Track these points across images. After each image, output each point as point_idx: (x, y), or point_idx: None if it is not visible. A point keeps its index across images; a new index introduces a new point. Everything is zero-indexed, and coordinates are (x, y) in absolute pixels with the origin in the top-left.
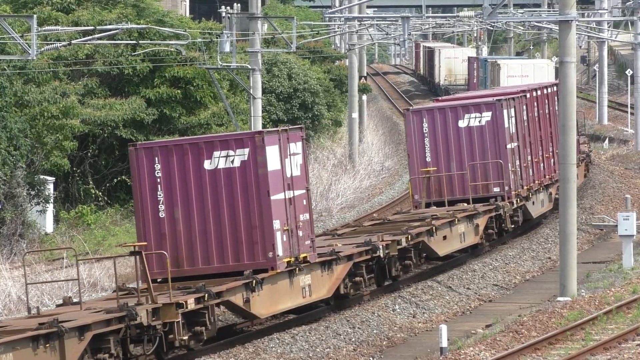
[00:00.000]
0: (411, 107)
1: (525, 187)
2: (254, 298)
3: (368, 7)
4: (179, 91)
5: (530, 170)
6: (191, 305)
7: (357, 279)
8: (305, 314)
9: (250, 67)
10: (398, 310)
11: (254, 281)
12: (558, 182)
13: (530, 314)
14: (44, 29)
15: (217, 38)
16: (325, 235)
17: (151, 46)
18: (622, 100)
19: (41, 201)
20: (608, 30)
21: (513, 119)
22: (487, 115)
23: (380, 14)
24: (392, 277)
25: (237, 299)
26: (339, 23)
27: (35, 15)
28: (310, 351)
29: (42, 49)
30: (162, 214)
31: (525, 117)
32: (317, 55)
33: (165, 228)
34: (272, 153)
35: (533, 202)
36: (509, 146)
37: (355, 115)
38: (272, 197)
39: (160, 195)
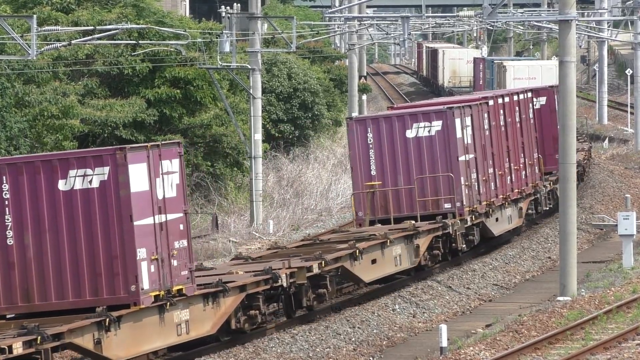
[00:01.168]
0: (354, 116)
1: (484, 203)
2: (109, 339)
3: (368, 7)
4: (178, 91)
5: (493, 184)
6: (18, 349)
7: (253, 312)
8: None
9: (250, 67)
10: (398, 310)
11: (108, 319)
12: (531, 195)
13: (530, 313)
14: (43, 29)
15: (217, 38)
16: (237, 259)
17: (151, 46)
18: (622, 100)
19: None
20: (608, 29)
21: (469, 128)
22: (437, 125)
23: (380, 14)
24: (306, 307)
25: (86, 341)
26: (338, 23)
27: (35, 16)
28: (310, 351)
29: (42, 49)
30: (10, 241)
31: (486, 127)
32: (317, 55)
33: (13, 257)
34: (137, 172)
35: (497, 219)
36: (461, 158)
37: (355, 115)
38: (137, 222)
39: (8, 219)
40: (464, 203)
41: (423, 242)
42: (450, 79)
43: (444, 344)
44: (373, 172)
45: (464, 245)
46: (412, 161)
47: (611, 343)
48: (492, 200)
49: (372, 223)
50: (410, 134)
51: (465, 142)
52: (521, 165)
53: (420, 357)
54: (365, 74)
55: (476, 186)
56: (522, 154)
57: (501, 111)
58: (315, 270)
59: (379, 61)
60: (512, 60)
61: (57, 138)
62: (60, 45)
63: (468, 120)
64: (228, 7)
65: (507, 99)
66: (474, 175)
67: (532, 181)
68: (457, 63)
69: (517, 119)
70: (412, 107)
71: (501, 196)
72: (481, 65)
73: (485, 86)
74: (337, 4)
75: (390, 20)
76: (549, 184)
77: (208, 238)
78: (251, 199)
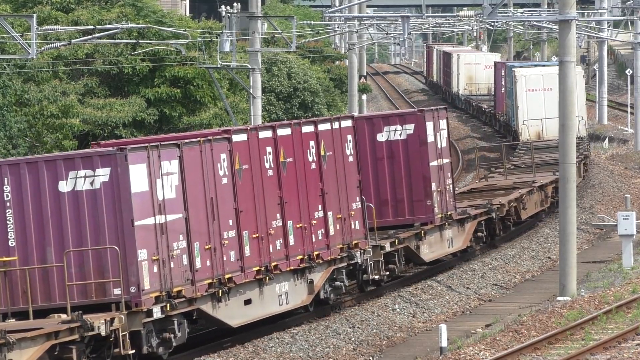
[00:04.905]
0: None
1: (204, 282)
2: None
3: (368, 6)
4: (178, 91)
5: (234, 252)
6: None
7: None
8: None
9: (250, 67)
10: (398, 309)
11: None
12: (340, 261)
13: (530, 313)
14: (43, 28)
15: (217, 37)
16: None
17: (151, 46)
18: (622, 100)
19: None
20: (608, 29)
21: (173, 176)
22: (102, 174)
23: (380, 14)
24: None
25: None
26: (338, 23)
27: (35, 15)
28: (310, 350)
29: (42, 49)
30: None
31: (224, 172)
32: (317, 55)
33: None
34: None
35: (247, 301)
36: (144, 221)
37: (355, 114)
38: None
39: None
40: (146, 287)
41: (31, 355)
42: (467, 86)
43: (444, 343)
44: (11, 243)
45: (130, 351)
46: (68, 227)
47: (611, 343)
48: (226, 277)
49: (4, 318)
50: (64, 186)
51: (158, 198)
52: (315, 222)
53: (420, 357)
54: (365, 74)
55: (185, 260)
56: (320, 205)
57: (268, 149)
58: None
59: (379, 61)
60: (525, 67)
61: (57, 137)
62: (60, 44)
63: (170, 166)
64: (228, 7)
65: (284, 132)
66: (179, 245)
67: (342, 242)
68: (473, 68)
69: (312, 158)
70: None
71: (255, 269)
72: (503, 71)
73: (507, 95)
74: (337, 3)
75: (390, 20)
76: (391, 243)
77: None
78: None
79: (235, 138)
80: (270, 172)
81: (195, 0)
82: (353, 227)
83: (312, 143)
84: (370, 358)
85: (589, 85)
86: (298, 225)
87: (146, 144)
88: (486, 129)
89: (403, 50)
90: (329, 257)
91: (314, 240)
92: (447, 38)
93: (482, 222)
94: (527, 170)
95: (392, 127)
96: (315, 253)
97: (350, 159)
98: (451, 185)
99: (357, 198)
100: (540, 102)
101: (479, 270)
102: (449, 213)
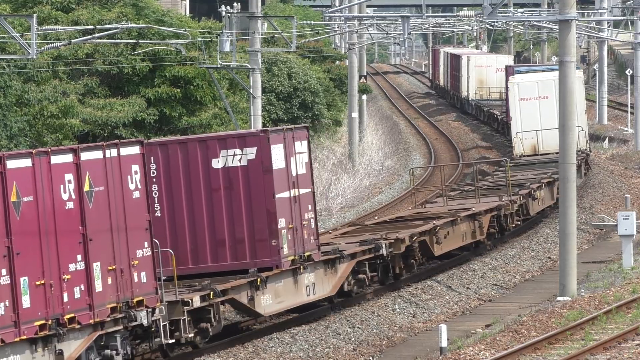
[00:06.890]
0: None
1: None
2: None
3: (368, 6)
4: (178, 90)
5: None
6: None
7: None
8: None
9: (250, 67)
10: (398, 310)
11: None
12: (109, 324)
13: (530, 313)
14: (43, 28)
15: (217, 37)
16: None
17: (151, 45)
18: (622, 100)
19: None
20: (608, 29)
21: None
22: None
23: (380, 14)
24: None
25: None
26: (339, 22)
27: (35, 15)
28: (310, 351)
29: (42, 48)
30: None
31: None
32: (317, 54)
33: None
34: None
35: None
36: None
37: (355, 114)
38: None
39: None
40: None
41: None
42: (477, 90)
43: (444, 344)
44: None
45: None
46: None
47: (611, 343)
48: None
49: None
50: None
51: None
52: (70, 277)
53: (420, 357)
54: (365, 74)
55: None
56: (80, 255)
57: None
58: None
59: (379, 61)
60: (520, 73)
61: (57, 137)
62: (60, 44)
63: None
64: (228, 7)
65: (21, 163)
66: None
67: (117, 299)
68: (484, 71)
69: (68, 196)
70: None
71: None
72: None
73: None
74: (337, 3)
75: (390, 20)
76: (204, 297)
77: None
78: None
79: None
80: None
81: (195, 0)
82: (137, 279)
83: (68, 177)
84: (370, 358)
85: (589, 85)
86: (38, 283)
87: None
88: (497, 138)
89: (403, 50)
90: (92, 320)
91: (66, 299)
92: (447, 38)
93: (369, 261)
94: (490, 193)
95: (231, 151)
96: (68, 316)
97: (136, 194)
98: (312, 220)
99: (146, 243)
100: (535, 112)
101: (479, 270)
102: (307, 254)
